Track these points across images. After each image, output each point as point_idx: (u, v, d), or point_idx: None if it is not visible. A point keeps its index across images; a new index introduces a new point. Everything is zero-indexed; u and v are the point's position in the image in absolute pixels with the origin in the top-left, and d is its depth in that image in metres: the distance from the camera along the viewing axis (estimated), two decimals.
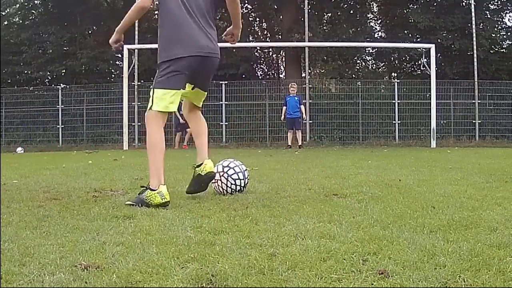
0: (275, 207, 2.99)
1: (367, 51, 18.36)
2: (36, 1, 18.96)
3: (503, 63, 16.46)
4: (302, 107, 12.95)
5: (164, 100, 3.17)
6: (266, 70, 20.25)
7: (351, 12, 18.31)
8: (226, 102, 14.83)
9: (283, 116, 12.88)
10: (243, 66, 16.70)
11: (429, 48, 13.54)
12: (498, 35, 17.36)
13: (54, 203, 3.16)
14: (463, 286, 1.54)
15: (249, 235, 2.21)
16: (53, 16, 18.06)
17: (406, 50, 16.22)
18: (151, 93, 3.23)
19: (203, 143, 3.50)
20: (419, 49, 14.86)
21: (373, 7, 19.44)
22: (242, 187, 3.61)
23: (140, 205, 3.00)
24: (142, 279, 1.61)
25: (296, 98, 12.81)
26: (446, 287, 1.54)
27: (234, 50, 16.43)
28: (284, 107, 12.88)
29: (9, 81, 17.21)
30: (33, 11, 19.02)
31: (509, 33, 17.54)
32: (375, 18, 19.71)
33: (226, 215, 2.71)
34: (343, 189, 3.78)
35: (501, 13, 17.62)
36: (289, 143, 12.80)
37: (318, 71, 20.15)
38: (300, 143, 12.77)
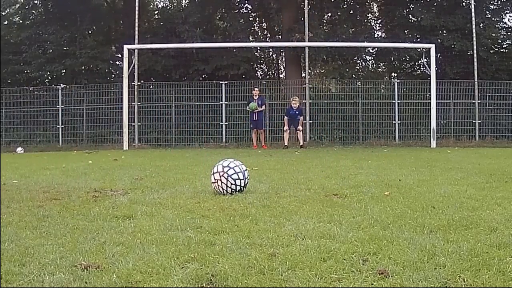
0: (275, 207, 2.99)
1: (367, 51, 18.32)
2: (36, 1, 18.95)
3: (503, 63, 16.43)
4: (302, 118, 13.09)
5: None
6: (266, 70, 20.25)
7: (351, 12, 18.28)
8: (226, 102, 14.83)
9: (286, 127, 13.01)
10: (243, 67, 16.70)
11: (429, 48, 13.53)
12: (498, 35, 17.35)
13: (54, 203, 3.15)
14: (463, 286, 1.54)
15: (249, 235, 2.21)
16: (53, 16, 18.04)
17: (406, 50, 16.20)
18: None
19: None
20: (419, 49, 14.85)
21: (373, 7, 19.42)
22: (242, 187, 3.61)
23: None
24: (142, 279, 1.61)
25: (297, 112, 12.97)
26: (446, 287, 1.54)
27: (234, 50, 16.43)
28: (286, 117, 13.06)
29: (9, 81, 17.18)
30: (33, 11, 19.00)
31: (509, 33, 17.52)
32: (375, 18, 19.68)
33: (226, 215, 2.71)
34: (343, 189, 3.78)
35: (501, 13, 17.59)
36: (286, 143, 12.81)
37: (318, 71, 20.14)
38: (301, 143, 12.79)
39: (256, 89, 13.43)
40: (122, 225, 2.45)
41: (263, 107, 13.28)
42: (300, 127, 13.06)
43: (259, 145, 13.15)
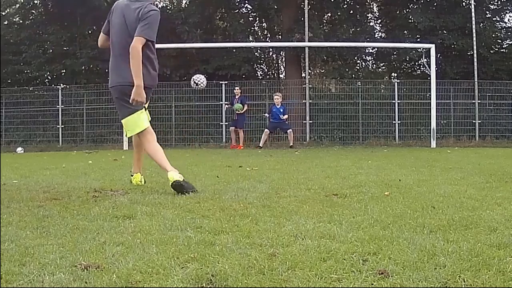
0: (275, 207, 2.99)
1: (367, 51, 18.32)
2: (36, 1, 18.94)
3: (503, 63, 16.43)
4: (286, 116, 13.03)
5: None
6: (266, 70, 20.23)
7: (351, 12, 18.27)
8: (226, 102, 14.84)
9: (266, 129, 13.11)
10: (244, 68, 16.67)
11: (429, 48, 13.52)
12: (498, 34, 17.35)
13: (54, 203, 3.15)
14: (463, 286, 1.54)
15: (249, 235, 2.21)
16: (53, 16, 18.04)
17: (406, 50, 16.20)
18: None
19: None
20: (419, 49, 14.84)
21: (373, 7, 19.42)
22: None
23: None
24: (142, 279, 1.61)
25: (281, 109, 12.92)
26: (446, 287, 1.54)
27: (234, 51, 16.42)
28: (267, 115, 13.04)
29: (9, 81, 17.18)
30: (33, 11, 18.98)
31: (509, 33, 17.52)
32: (375, 18, 19.68)
33: (226, 215, 2.71)
34: (343, 189, 3.78)
35: (501, 13, 17.60)
36: (261, 144, 12.87)
37: (318, 71, 20.14)
38: (291, 144, 12.85)
39: (236, 88, 13.50)
40: (122, 225, 2.46)
41: (245, 107, 13.27)
42: (285, 116, 12.96)
43: (237, 145, 13.25)
